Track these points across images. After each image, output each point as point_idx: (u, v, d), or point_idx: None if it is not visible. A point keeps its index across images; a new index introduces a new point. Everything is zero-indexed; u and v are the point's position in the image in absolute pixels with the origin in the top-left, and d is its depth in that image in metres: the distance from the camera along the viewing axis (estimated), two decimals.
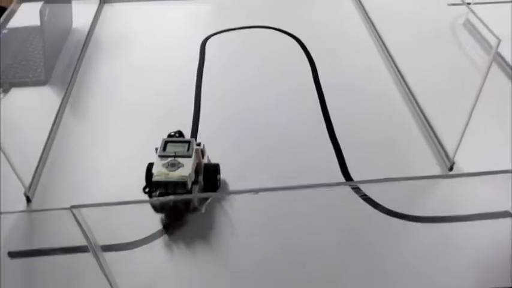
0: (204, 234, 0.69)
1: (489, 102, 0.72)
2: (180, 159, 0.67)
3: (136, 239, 0.68)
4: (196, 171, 0.70)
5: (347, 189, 0.74)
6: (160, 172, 0.66)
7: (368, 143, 0.84)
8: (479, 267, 0.64)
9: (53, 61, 1.05)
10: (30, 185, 0.75)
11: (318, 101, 0.94)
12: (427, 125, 0.85)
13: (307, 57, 1.07)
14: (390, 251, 0.66)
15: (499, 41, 0.61)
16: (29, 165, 0.78)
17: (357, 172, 0.78)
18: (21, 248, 0.67)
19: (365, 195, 0.72)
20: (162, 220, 0.70)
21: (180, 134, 0.77)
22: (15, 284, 0.64)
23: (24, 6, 1.19)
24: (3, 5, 1.73)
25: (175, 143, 0.70)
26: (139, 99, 0.96)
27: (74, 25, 1.18)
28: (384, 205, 0.71)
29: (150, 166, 0.69)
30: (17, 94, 0.97)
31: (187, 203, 0.68)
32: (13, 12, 1.17)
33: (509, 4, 1.13)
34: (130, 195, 0.72)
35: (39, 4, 0.95)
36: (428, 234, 0.68)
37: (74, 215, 0.51)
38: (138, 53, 1.10)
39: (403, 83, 0.96)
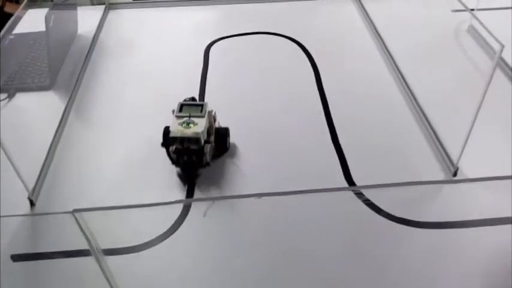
0: (205, 238, 0.70)
1: (493, 108, 0.72)
2: (194, 119, 0.76)
3: (139, 243, 0.68)
4: (208, 132, 0.78)
5: (350, 194, 0.73)
6: (176, 129, 0.74)
7: (371, 148, 0.84)
8: (482, 273, 0.63)
9: (58, 66, 1.05)
10: (34, 189, 0.76)
11: (321, 106, 0.94)
12: (430, 131, 0.85)
13: (311, 62, 1.07)
14: (393, 257, 0.66)
15: (503, 46, 0.61)
16: (33, 169, 0.79)
17: (360, 177, 0.77)
18: (24, 252, 0.67)
19: (368, 200, 0.72)
20: (178, 173, 0.79)
21: (193, 99, 0.84)
22: (17, 287, 0.64)
23: (30, 12, 1.20)
24: (9, 11, 1.75)
25: (190, 105, 0.79)
26: (143, 104, 0.96)
27: (79, 31, 1.19)
28: (387, 210, 0.71)
29: (166, 128, 0.78)
30: (22, 99, 0.98)
31: (201, 158, 0.76)
32: (19, 18, 1.18)
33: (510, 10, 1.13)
34: (133, 200, 0.73)
35: (45, 10, 0.96)
36: (431, 239, 0.67)
37: (76, 219, 0.51)
38: (142, 59, 1.10)
39: (406, 89, 0.96)
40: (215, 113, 0.81)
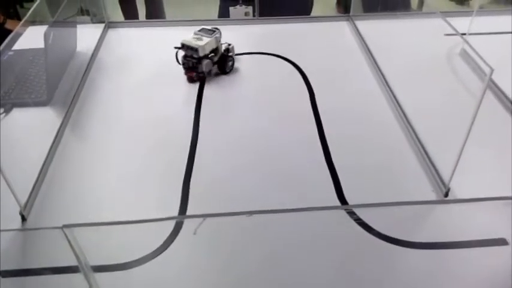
0: (196, 255, 0.69)
1: (484, 129, 0.72)
2: (203, 37, 1.05)
3: (130, 260, 0.67)
4: (213, 52, 1.07)
5: (342, 213, 0.73)
6: (188, 40, 1.05)
7: (364, 168, 0.84)
8: None
9: (56, 83, 1.06)
10: (26, 204, 0.76)
11: (315, 125, 0.94)
12: (422, 151, 0.85)
13: (305, 82, 1.08)
14: (383, 277, 0.65)
15: (492, 70, 0.62)
16: (26, 184, 0.79)
17: (352, 197, 0.77)
18: (14, 267, 0.67)
19: (359, 219, 0.72)
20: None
21: (215, 29, 1.09)
22: None
23: (30, 29, 1.22)
24: (10, 28, 1.77)
25: (207, 30, 1.07)
26: (139, 122, 0.97)
27: (78, 48, 1.20)
28: (378, 230, 0.71)
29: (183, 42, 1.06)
30: (18, 114, 0.98)
31: (197, 66, 1.06)
32: (19, 34, 1.20)
33: (503, 35, 1.15)
34: (126, 217, 0.72)
35: (45, 28, 0.97)
36: (422, 260, 0.67)
37: (66, 235, 0.51)
38: (140, 77, 1.11)
39: (399, 109, 0.97)
40: (232, 46, 1.10)
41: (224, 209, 0.75)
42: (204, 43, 1.02)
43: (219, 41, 1.08)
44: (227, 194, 0.79)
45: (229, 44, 1.10)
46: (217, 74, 1.10)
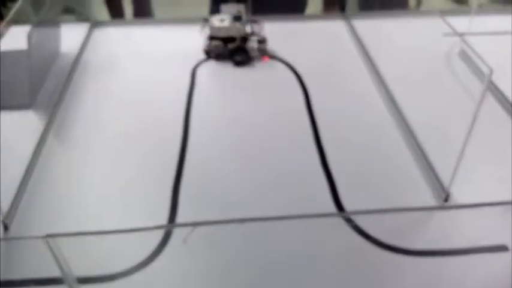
0: (187, 266, 0.67)
1: (484, 132, 0.71)
2: (224, 22, 1.08)
3: (116, 271, 0.65)
4: (229, 39, 1.09)
5: (338, 220, 0.72)
6: (213, 21, 1.09)
7: (362, 173, 0.82)
8: None
9: (39, 85, 1.03)
10: (8, 212, 0.73)
11: (310, 128, 0.93)
12: (421, 156, 0.84)
13: (301, 85, 1.06)
14: (380, 285, 0.64)
15: (491, 70, 0.60)
16: (8, 191, 0.76)
17: (349, 203, 0.76)
18: None
19: (357, 226, 0.70)
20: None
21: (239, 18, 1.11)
22: None
23: (13, 29, 1.18)
24: None
25: (236, 16, 1.10)
26: (126, 126, 0.94)
27: (63, 49, 1.17)
28: (376, 237, 0.69)
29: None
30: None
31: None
32: (0, 35, 1.17)
33: (503, 35, 1.14)
34: (113, 226, 0.70)
35: (28, 28, 0.95)
36: (421, 268, 0.66)
37: (49, 244, 0.49)
38: (127, 79, 1.08)
39: (396, 112, 0.95)
40: (265, 40, 1.11)
41: (216, 217, 0.73)
42: (216, 27, 1.06)
43: (241, 31, 1.07)
44: (219, 201, 0.77)
45: (260, 41, 1.10)
46: (238, 63, 1.10)
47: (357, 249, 0.68)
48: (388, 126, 0.93)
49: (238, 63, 1.10)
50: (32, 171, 0.83)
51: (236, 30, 1.07)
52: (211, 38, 1.09)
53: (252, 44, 1.09)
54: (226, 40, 1.09)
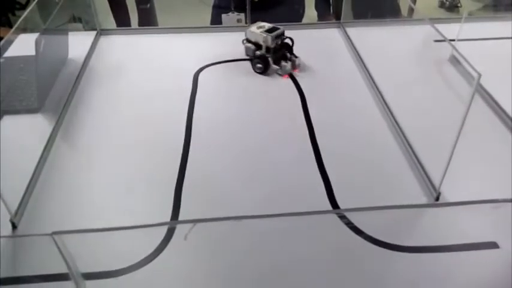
0: (186, 262, 0.69)
1: (474, 134, 0.73)
2: (262, 34, 1.11)
3: (120, 267, 0.67)
4: (259, 47, 1.13)
5: (333, 217, 0.73)
6: (253, 28, 1.14)
7: (356, 174, 0.84)
8: None
9: (47, 90, 1.06)
10: (16, 212, 0.75)
11: (307, 131, 0.95)
12: (413, 156, 0.86)
13: (298, 90, 1.08)
14: (372, 280, 0.66)
15: (479, 75, 0.63)
16: (17, 191, 0.78)
17: (344, 202, 0.78)
18: (4, 275, 0.66)
19: (351, 223, 0.72)
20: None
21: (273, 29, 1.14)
22: None
23: (22, 36, 1.21)
24: (3, 36, 1.76)
25: (272, 27, 1.14)
26: (130, 129, 0.97)
27: (70, 55, 1.20)
28: (369, 233, 0.71)
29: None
30: (9, 121, 0.98)
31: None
32: (10, 42, 1.19)
33: (492, 41, 1.16)
34: (118, 223, 0.72)
35: (37, 35, 0.97)
36: (412, 264, 0.67)
37: (55, 241, 0.50)
38: (132, 84, 1.11)
39: (389, 115, 0.97)
40: (297, 60, 1.13)
41: (216, 212, 0.75)
42: (249, 35, 1.14)
43: (265, 40, 1.10)
44: (219, 197, 0.79)
45: (292, 65, 1.13)
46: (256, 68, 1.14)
47: (350, 245, 0.70)
48: (381, 128, 0.95)
49: (257, 70, 1.13)
50: (40, 173, 0.85)
51: (262, 39, 1.11)
52: (247, 40, 1.15)
53: (284, 63, 1.12)
54: (257, 46, 1.14)
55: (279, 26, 1.13)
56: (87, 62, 1.19)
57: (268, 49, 1.12)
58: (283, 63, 1.12)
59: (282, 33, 1.13)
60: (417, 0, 1.93)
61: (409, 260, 0.68)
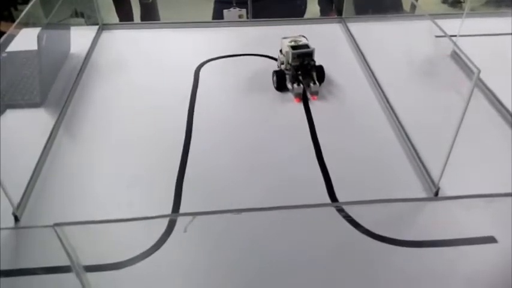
0: (187, 255, 0.70)
1: (474, 130, 0.73)
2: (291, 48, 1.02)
3: (122, 259, 0.68)
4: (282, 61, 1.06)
5: (331, 210, 0.74)
6: (287, 41, 1.04)
7: (355, 169, 0.84)
8: None
9: (49, 84, 1.06)
10: (19, 204, 0.76)
11: (307, 125, 0.95)
12: (413, 151, 0.86)
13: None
14: (369, 274, 0.66)
15: (479, 71, 0.63)
16: (19, 184, 0.79)
17: (343, 195, 0.78)
18: (6, 268, 0.67)
19: (349, 216, 0.72)
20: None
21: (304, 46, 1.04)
22: None
23: (24, 31, 1.22)
24: (4, 30, 1.77)
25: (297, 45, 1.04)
26: (131, 123, 0.97)
27: (72, 50, 1.21)
28: (367, 227, 0.71)
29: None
30: (11, 115, 0.98)
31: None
32: (12, 36, 1.20)
33: (494, 36, 1.16)
34: (119, 215, 0.73)
35: (39, 29, 0.97)
36: (409, 258, 0.68)
37: (57, 233, 0.50)
38: (133, 79, 1.11)
39: (390, 111, 0.97)
40: (314, 87, 1.01)
41: (217, 207, 0.76)
42: (283, 42, 1.05)
43: (287, 54, 1.02)
44: (219, 192, 0.80)
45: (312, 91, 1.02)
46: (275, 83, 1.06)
47: (348, 238, 0.70)
48: (381, 123, 0.96)
49: (273, 83, 1.07)
50: (42, 166, 0.86)
51: (285, 53, 1.03)
52: (280, 51, 1.07)
53: (296, 85, 1.01)
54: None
55: (310, 45, 1.02)
56: (89, 56, 1.20)
57: (289, 65, 1.03)
58: (295, 85, 1.01)
59: (309, 54, 1.01)
60: None
61: (407, 254, 0.68)
